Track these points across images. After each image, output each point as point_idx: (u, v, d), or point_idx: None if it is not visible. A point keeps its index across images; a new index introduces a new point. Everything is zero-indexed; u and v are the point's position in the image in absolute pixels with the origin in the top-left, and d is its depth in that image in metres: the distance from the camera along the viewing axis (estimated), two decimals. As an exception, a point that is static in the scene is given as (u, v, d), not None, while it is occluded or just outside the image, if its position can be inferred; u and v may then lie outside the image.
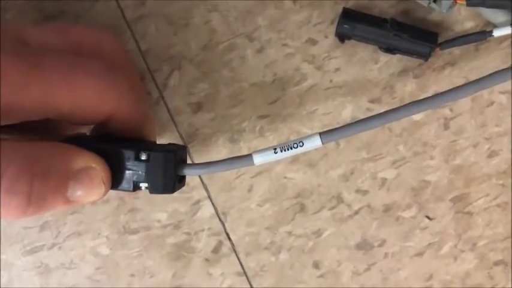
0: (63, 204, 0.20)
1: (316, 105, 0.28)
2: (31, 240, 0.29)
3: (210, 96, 0.28)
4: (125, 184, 0.21)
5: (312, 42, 0.28)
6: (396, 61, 0.28)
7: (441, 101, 0.21)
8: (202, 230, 0.29)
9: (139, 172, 0.21)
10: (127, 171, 0.21)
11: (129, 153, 0.21)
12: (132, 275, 0.29)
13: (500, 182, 0.28)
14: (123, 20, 0.28)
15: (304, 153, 0.28)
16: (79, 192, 0.20)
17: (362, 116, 0.27)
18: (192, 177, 0.28)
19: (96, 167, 0.20)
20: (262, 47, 0.28)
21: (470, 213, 0.29)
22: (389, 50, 0.27)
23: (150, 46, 0.28)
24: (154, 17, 0.28)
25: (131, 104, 0.22)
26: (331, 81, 0.28)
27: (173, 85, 0.28)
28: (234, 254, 0.29)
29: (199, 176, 0.29)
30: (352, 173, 0.29)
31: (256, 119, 0.28)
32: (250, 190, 0.29)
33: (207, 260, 0.29)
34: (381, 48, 0.27)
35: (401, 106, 0.21)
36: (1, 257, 0.29)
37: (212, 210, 0.29)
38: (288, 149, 0.22)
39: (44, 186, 0.19)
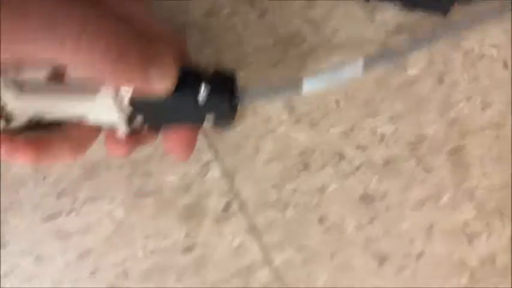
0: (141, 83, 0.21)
1: (317, 66, 0.29)
2: (49, 207, 0.30)
3: (214, 61, 0.30)
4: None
5: (311, 5, 0.29)
6: (392, 18, 0.29)
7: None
8: (212, 191, 0.30)
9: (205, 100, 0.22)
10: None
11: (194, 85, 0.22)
12: (147, 237, 0.31)
13: (494, 133, 0.30)
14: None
15: (307, 114, 0.30)
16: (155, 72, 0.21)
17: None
18: (199, 140, 0.30)
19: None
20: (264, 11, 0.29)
21: (466, 165, 0.30)
22: (410, 6, 0.27)
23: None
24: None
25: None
26: (329, 41, 0.29)
27: (179, 53, 0.29)
28: (243, 212, 0.30)
29: (208, 139, 0.30)
30: (352, 130, 0.30)
31: (260, 81, 0.30)
32: (256, 150, 0.30)
33: (217, 219, 0.30)
34: (404, 5, 0.27)
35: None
36: (23, 225, 0.30)
37: (221, 171, 0.30)
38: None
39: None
